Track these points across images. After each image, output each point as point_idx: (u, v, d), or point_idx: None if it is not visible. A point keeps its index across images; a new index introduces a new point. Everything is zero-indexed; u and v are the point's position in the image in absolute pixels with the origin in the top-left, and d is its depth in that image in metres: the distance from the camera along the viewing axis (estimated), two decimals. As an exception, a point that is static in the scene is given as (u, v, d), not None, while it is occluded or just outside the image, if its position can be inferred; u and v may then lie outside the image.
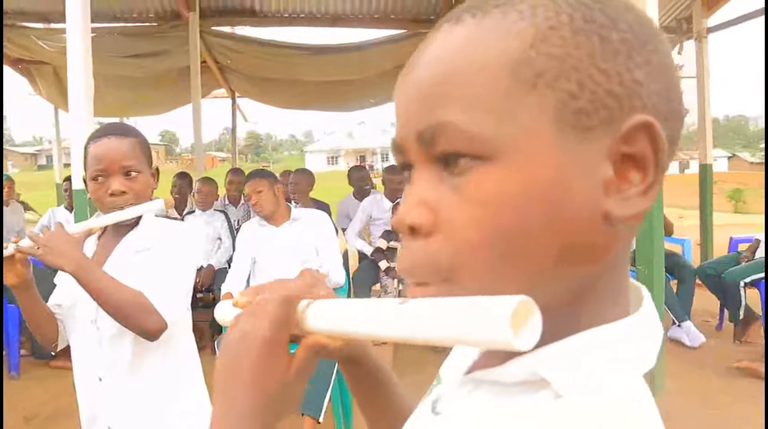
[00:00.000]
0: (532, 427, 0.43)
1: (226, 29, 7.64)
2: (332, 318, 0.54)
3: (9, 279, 1.60)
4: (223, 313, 0.67)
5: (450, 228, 0.45)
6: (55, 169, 9.84)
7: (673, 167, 59.89)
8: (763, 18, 6.74)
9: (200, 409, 1.83)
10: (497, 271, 0.44)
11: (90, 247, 1.75)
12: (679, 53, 7.66)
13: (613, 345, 0.46)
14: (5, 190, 6.28)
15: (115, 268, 1.66)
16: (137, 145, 1.74)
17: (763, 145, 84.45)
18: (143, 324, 1.63)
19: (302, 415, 3.22)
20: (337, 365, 3.29)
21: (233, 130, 11.17)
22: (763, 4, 6.62)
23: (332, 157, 71.12)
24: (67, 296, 1.76)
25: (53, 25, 6.99)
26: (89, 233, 1.71)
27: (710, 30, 7.22)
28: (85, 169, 1.73)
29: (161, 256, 1.72)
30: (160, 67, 7.69)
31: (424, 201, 0.47)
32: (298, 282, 0.60)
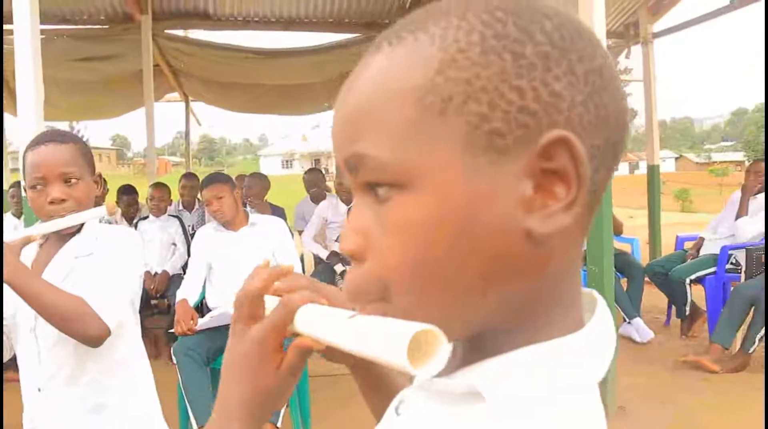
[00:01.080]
0: None
1: (179, 32, 7.55)
2: (311, 323, 0.58)
3: None
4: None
5: (376, 254, 0.48)
6: (5, 175, 9.58)
7: (623, 168, 61.17)
8: (707, 24, 6.99)
9: (146, 418, 1.81)
10: (422, 293, 0.46)
11: (29, 254, 1.69)
12: (627, 57, 7.88)
13: (558, 359, 0.47)
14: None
15: (55, 274, 1.62)
16: (77, 151, 1.70)
17: (707, 146, 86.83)
18: (84, 330, 1.58)
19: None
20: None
21: (187, 134, 11.04)
22: (705, 11, 6.86)
23: (287, 161, 70.73)
24: (8, 306, 1.70)
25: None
26: (27, 241, 1.63)
27: (656, 35, 7.44)
28: (24, 178, 1.70)
29: (103, 261, 1.68)
30: (112, 71, 7.56)
31: (357, 228, 0.49)
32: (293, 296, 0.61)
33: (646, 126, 7.77)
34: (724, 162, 48.74)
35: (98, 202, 1.77)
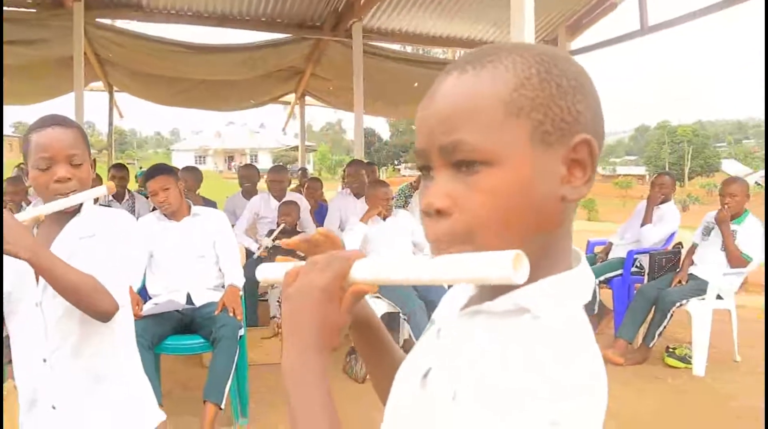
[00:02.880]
0: (520, 337, 0.67)
1: (108, 21, 7.43)
2: (374, 271, 0.75)
3: None
4: (267, 272, 0.87)
5: (467, 210, 0.68)
6: None
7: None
8: (619, 46, 7.49)
9: (140, 389, 1.92)
10: (502, 234, 0.67)
11: None
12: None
13: (567, 285, 0.71)
14: None
15: (60, 254, 1.68)
16: (80, 135, 1.79)
17: (612, 160, 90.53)
18: (98, 305, 1.69)
19: (204, 402, 3.34)
20: (235, 359, 3.43)
21: (110, 125, 10.81)
22: (618, 34, 7.36)
23: (200, 157, 69.23)
24: (5, 283, 1.77)
25: None
26: (37, 220, 1.73)
27: (573, 53, 7.90)
28: (26, 159, 1.76)
29: (108, 242, 1.78)
30: (36, 56, 7.35)
31: (446, 192, 0.69)
32: (350, 253, 0.79)
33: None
34: (628, 175, 51.16)
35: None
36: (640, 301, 4.95)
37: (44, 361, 1.75)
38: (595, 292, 5.52)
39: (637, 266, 5.51)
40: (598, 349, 0.71)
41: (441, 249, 0.70)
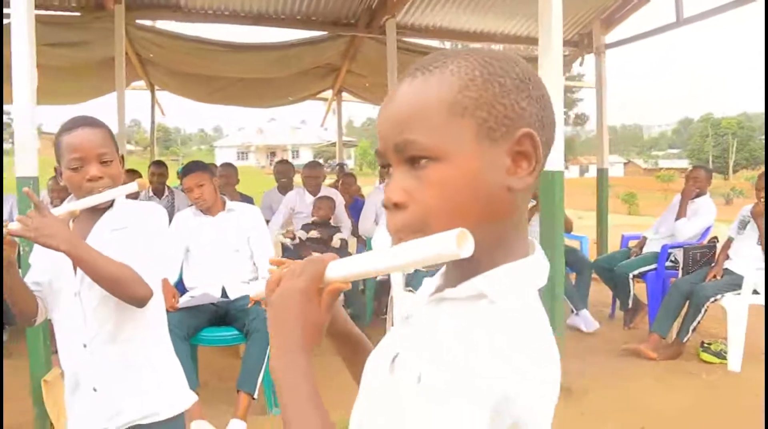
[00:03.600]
0: (477, 320, 0.73)
1: (148, 23, 7.62)
2: (345, 269, 0.82)
3: None
4: (256, 288, 0.95)
5: (418, 202, 0.75)
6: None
7: (574, 171, 62.25)
8: (657, 38, 7.40)
9: (171, 375, 2.03)
10: (449, 224, 0.71)
11: None
12: (580, 65, 8.28)
13: (523, 271, 0.77)
14: None
15: (95, 246, 1.79)
16: (108, 135, 1.90)
17: (655, 153, 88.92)
18: (134, 293, 1.80)
19: (238, 392, 3.45)
20: (268, 351, 3.53)
21: (152, 122, 11.06)
22: (654, 26, 7.27)
23: (242, 153, 70.15)
24: (42, 274, 1.90)
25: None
26: (72, 215, 1.85)
27: (608, 46, 7.84)
28: (59, 160, 1.87)
29: (139, 233, 1.89)
30: (80, 58, 7.57)
31: (401, 187, 0.77)
32: (324, 256, 0.87)
33: (597, 131, 8.12)
34: (670, 169, 50.29)
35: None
36: (674, 296, 4.90)
37: (84, 346, 1.87)
38: (629, 286, 5.52)
39: (671, 260, 5.45)
40: (550, 331, 0.76)
41: (400, 239, 0.77)
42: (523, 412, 0.68)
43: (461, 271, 0.78)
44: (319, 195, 5.84)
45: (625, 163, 70.52)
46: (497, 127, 0.74)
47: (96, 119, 1.92)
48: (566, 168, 63.11)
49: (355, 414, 0.88)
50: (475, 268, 0.76)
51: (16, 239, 1.73)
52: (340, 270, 0.82)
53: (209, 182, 3.83)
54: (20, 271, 1.82)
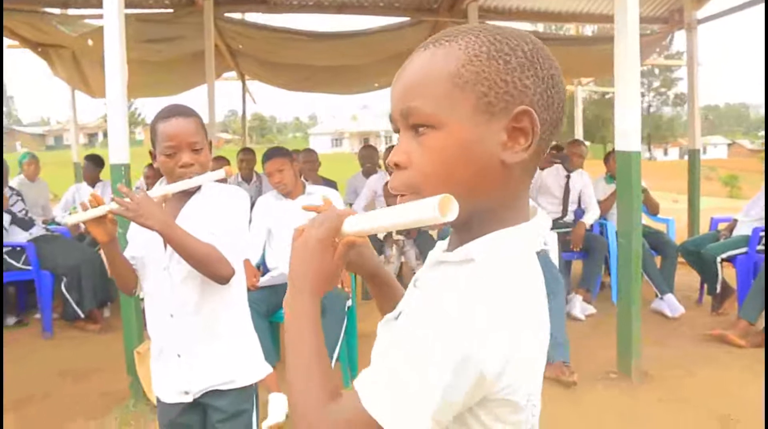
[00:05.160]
0: (461, 280, 0.77)
1: (237, 16, 7.91)
2: (360, 224, 0.90)
3: (100, 236, 1.91)
4: None
5: (416, 165, 0.81)
6: (73, 149, 10.13)
7: (673, 153, 59.43)
8: (752, 9, 7.03)
9: (250, 348, 2.17)
10: (440, 188, 0.76)
11: None
12: (670, 42, 7.99)
13: (512, 238, 0.81)
14: (31, 167, 6.63)
15: (183, 226, 1.95)
16: (199, 124, 2.05)
17: (761, 133, 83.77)
18: (219, 271, 1.96)
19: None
20: (343, 329, 3.67)
21: (243, 111, 11.46)
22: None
23: (336, 140, 71.30)
24: (138, 249, 2.08)
25: (71, 11, 7.30)
26: (165, 198, 2.01)
27: (700, 21, 7.51)
28: (153, 145, 2.04)
29: (224, 215, 2.04)
30: (174, 52, 7.94)
31: (404, 150, 0.83)
32: (341, 211, 0.95)
33: (689, 110, 7.80)
34: (779, 149, 47.18)
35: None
36: (765, 280, 4.70)
37: (171, 316, 2.04)
38: (716, 270, 5.32)
39: (763, 244, 5.21)
40: (536, 295, 0.81)
41: (397, 196, 0.84)
42: (487, 369, 0.72)
43: (458, 236, 0.85)
44: (387, 180, 5.90)
45: (729, 144, 66.95)
46: (496, 103, 0.77)
47: (189, 108, 2.07)
48: (665, 151, 60.40)
49: None
50: (468, 235, 0.82)
51: (116, 218, 1.92)
52: (355, 225, 0.90)
53: (289, 167, 3.98)
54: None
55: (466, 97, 0.78)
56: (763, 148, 61.85)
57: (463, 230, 0.82)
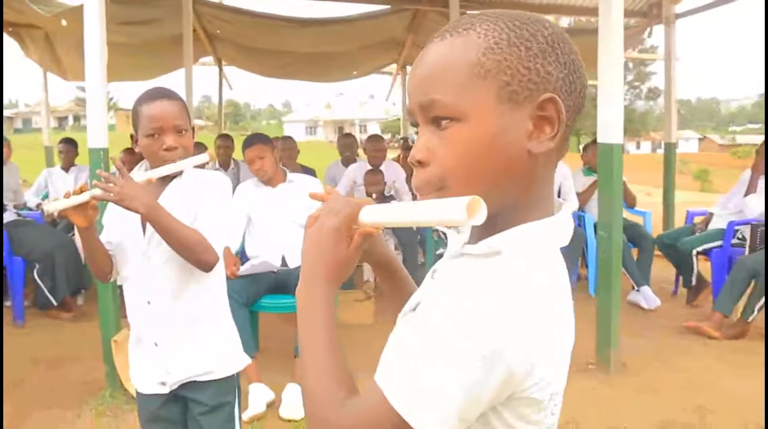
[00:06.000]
0: (485, 272, 0.76)
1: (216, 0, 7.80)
2: (377, 216, 0.87)
3: (79, 221, 1.85)
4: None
5: (439, 161, 0.78)
6: (44, 132, 9.94)
7: (645, 147, 60.16)
8: (731, 6, 7.09)
9: (228, 336, 2.12)
10: (468, 183, 0.75)
11: None
12: (649, 36, 8.03)
13: (538, 232, 0.78)
14: (5, 150, 6.47)
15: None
16: (183, 107, 2.00)
17: (733, 128, 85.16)
18: (202, 257, 1.91)
19: (295, 357, 3.56)
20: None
21: (220, 96, 11.33)
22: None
23: (311, 128, 70.98)
24: (114, 234, 2.03)
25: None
26: (149, 182, 1.95)
27: (678, 15, 7.55)
28: (136, 129, 1.99)
29: (207, 201, 1.99)
30: (151, 35, 7.81)
31: (425, 146, 0.79)
32: (360, 200, 0.92)
33: (665, 104, 7.86)
34: (749, 145, 48.09)
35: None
36: (739, 273, 4.75)
37: (148, 303, 1.99)
38: (692, 263, 5.40)
39: (738, 238, 5.28)
40: (565, 292, 0.79)
41: (421, 195, 0.81)
42: (517, 365, 0.70)
43: (481, 228, 0.81)
44: (369, 169, 5.84)
45: (700, 139, 67.87)
46: (520, 91, 0.75)
47: (173, 92, 2.02)
48: (638, 144, 61.11)
49: None
50: (492, 227, 0.79)
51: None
52: (372, 216, 0.87)
53: (270, 154, 3.94)
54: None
55: (489, 86, 0.75)
56: (733, 143, 62.97)
57: (487, 223, 0.80)
